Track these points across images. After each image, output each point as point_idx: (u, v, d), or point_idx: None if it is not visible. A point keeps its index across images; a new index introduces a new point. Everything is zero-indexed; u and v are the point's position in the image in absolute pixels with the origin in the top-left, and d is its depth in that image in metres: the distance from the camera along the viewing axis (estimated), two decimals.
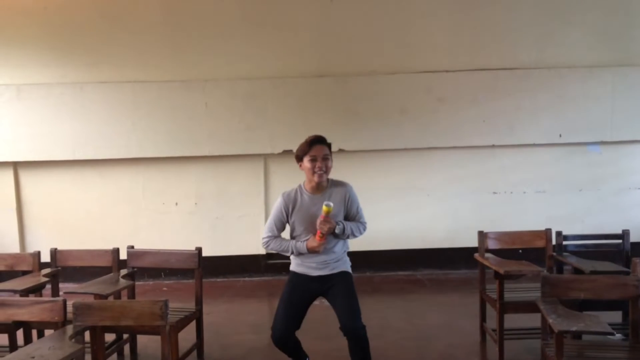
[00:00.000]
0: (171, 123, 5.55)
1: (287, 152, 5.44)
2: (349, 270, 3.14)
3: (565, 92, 5.64)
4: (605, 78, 5.63)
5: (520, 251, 3.95)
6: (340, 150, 5.46)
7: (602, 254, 3.76)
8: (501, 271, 3.28)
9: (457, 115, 5.62)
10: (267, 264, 5.79)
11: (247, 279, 5.76)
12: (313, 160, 2.98)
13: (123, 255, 3.69)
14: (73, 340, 2.39)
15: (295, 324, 3.00)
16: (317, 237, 2.94)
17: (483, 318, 3.87)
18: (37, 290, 3.38)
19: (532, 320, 3.31)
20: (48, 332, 3.02)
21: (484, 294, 3.76)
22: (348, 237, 3.08)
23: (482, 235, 3.84)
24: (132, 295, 3.63)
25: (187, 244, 3.94)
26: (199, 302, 3.59)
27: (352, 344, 2.90)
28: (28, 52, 5.51)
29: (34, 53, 5.51)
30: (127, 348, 3.73)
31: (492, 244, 3.85)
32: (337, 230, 2.96)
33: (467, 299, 4.67)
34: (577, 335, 3.01)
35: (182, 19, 5.56)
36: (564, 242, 3.88)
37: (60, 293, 3.37)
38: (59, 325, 2.56)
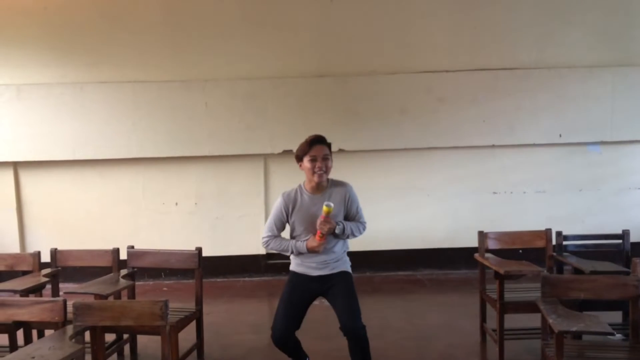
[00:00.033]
0: (171, 123, 5.55)
1: (287, 152, 5.44)
2: (349, 270, 3.14)
3: (566, 92, 5.64)
4: (605, 78, 5.63)
5: (521, 251, 3.95)
6: (340, 150, 5.46)
7: (602, 254, 3.76)
8: (501, 271, 3.28)
9: (457, 115, 5.62)
10: (267, 264, 5.79)
11: (247, 279, 5.76)
12: (313, 160, 2.98)
13: (123, 256, 3.69)
14: (73, 340, 2.39)
15: (295, 324, 3.00)
16: (317, 237, 2.94)
17: (483, 318, 3.87)
18: (37, 290, 3.37)
19: (532, 320, 3.31)
20: (48, 332, 3.02)
21: (484, 294, 3.76)
22: (348, 237, 3.08)
23: (482, 235, 3.84)
24: (132, 295, 3.63)
25: (187, 244, 3.94)
26: (199, 302, 3.59)
27: (352, 344, 2.90)
28: (28, 52, 5.51)
29: (34, 53, 5.51)
30: (127, 348, 3.73)
31: (492, 244, 3.85)
32: (337, 231, 2.97)
33: (467, 299, 4.67)
34: (577, 335, 3.01)
35: (182, 19, 5.56)
36: (564, 242, 3.88)
37: (61, 293, 3.37)
38: (59, 325, 2.56)
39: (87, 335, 2.56)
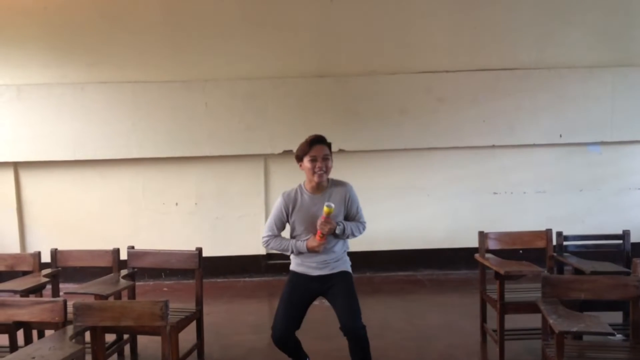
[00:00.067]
0: (171, 123, 5.55)
1: (287, 152, 5.44)
2: (349, 270, 3.14)
3: (566, 92, 5.64)
4: (606, 78, 5.63)
5: (521, 251, 3.95)
6: (341, 151, 5.46)
7: (603, 255, 3.76)
8: (501, 271, 3.28)
9: (457, 116, 5.62)
10: (268, 264, 5.79)
11: (247, 279, 5.76)
12: (313, 160, 2.98)
13: (123, 256, 3.69)
14: (73, 340, 2.39)
15: (295, 324, 3.00)
16: (318, 237, 2.95)
17: (483, 318, 3.87)
18: (37, 290, 3.37)
19: (532, 320, 3.31)
20: (48, 333, 3.01)
21: (485, 294, 3.76)
22: (348, 237, 3.09)
23: (482, 235, 3.84)
24: (132, 295, 3.63)
25: (187, 244, 3.94)
26: (199, 303, 3.59)
27: (352, 344, 2.91)
28: (28, 53, 5.51)
29: (35, 53, 5.51)
30: (127, 348, 3.73)
31: (492, 245, 3.85)
32: (337, 231, 2.97)
33: (468, 300, 4.67)
34: (578, 335, 3.01)
35: (182, 19, 5.56)
36: (565, 243, 3.88)
37: (61, 293, 3.37)
38: (60, 325, 2.56)
39: (88, 336, 2.56)
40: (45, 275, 3.52)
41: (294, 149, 3.09)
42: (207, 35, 5.56)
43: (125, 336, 3.66)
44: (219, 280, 5.68)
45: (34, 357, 2.18)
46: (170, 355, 2.56)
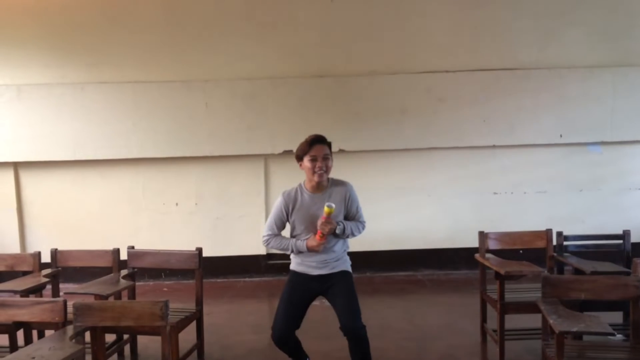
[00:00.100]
0: (172, 123, 5.55)
1: (287, 152, 5.44)
2: (349, 269, 3.14)
3: (566, 92, 5.63)
4: (606, 78, 5.62)
5: (521, 252, 3.95)
6: (341, 151, 5.46)
7: (603, 255, 3.76)
8: (502, 272, 3.28)
9: (457, 116, 5.62)
10: (268, 265, 5.79)
11: (247, 279, 5.76)
12: (313, 160, 2.98)
13: (123, 256, 3.69)
14: (73, 340, 2.39)
15: (295, 324, 3.00)
16: (318, 237, 2.95)
17: (484, 318, 3.87)
18: (37, 290, 3.37)
19: (532, 320, 3.31)
20: (48, 333, 3.02)
21: (485, 294, 3.76)
22: (347, 237, 3.09)
23: (482, 235, 3.84)
24: (132, 295, 3.63)
25: (187, 244, 3.94)
26: (199, 303, 3.59)
27: (352, 344, 2.91)
28: (29, 53, 5.51)
29: (35, 53, 5.51)
30: (127, 348, 3.73)
31: (492, 245, 3.85)
32: (337, 231, 2.97)
33: (468, 300, 4.67)
34: (578, 335, 3.01)
35: (183, 19, 5.56)
36: (565, 243, 3.88)
37: (61, 293, 3.37)
38: (60, 325, 2.56)
39: (88, 336, 2.55)
40: (45, 276, 3.52)
41: (294, 149, 3.09)
42: (207, 35, 5.56)
43: (125, 336, 3.66)
44: (219, 280, 5.68)
45: (34, 357, 2.18)
46: (170, 355, 2.56)
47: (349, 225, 3.04)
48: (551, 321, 2.51)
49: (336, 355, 3.48)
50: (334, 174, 3.12)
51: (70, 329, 2.48)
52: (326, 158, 3.00)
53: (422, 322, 4.37)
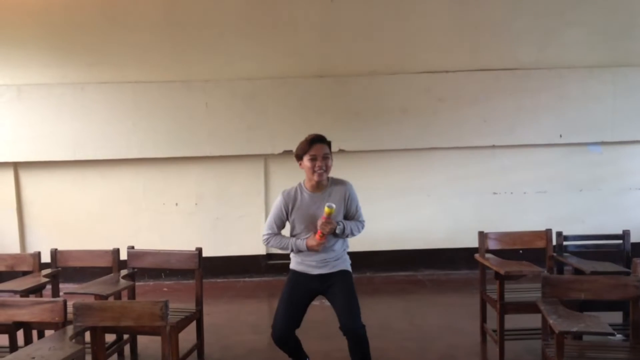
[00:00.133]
0: (172, 123, 5.55)
1: (287, 153, 5.44)
2: (349, 269, 3.14)
3: (566, 92, 5.63)
4: (606, 78, 5.62)
5: (521, 252, 3.95)
6: (341, 151, 5.46)
7: (603, 255, 3.76)
8: (502, 272, 3.28)
9: (457, 116, 5.62)
10: (268, 265, 5.79)
11: (247, 279, 5.76)
12: (313, 159, 2.98)
13: (123, 256, 3.69)
14: (73, 340, 2.40)
15: (295, 323, 3.00)
16: (318, 237, 2.95)
17: (483, 318, 3.87)
18: (37, 290, 3.38)
19: (532, 320, 3.31)
20: (48, 333, 3.02)
21: (485, 294, 3.76)
22: (347, 237, 3.09)
23: (482, 235, 3.84)
24: (132, 295, 3.63)
25: (187, 245, 3.94)
26: (199, 303, 3.59)
27: (352, 344, 2.91)
28: (29, 53, 5.51)
29: (35, 53, 5.51)
30: (127, 348, 3.73)
31: (492, 245, 3.85)
32: (337, 231, 2.97)
33: (468, 300, 4.67)
34: (578, 335, 3.01)
35: (183, 19, 5.56)
36: (565, 243, 3.88)
37: (61, 293, 3.37)
38: (59, 325, 2.56)
39: (88, 336, 2.55)
40: (45, 276, 3.52)
41: (294, 149, 3.08)
42: (207, 35, 5.56)
43: (125, 336, 3.66)
44: (219, 280, 5.68)
45: (34, 357, 2.18)
46: (170, 355, 2.56)
47: (349, 225, 3.04)
48: (551, 321, 2.51)
49: (336, 355, 3.48)
50: (333, 173, 3.12)
51: (70, 329, 2.48)
52: (326, 157, 3.00)
53: (422, 322, 4.37)
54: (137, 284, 3.79)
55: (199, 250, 3.58)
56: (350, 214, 3.11)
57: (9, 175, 5.63)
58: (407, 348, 3.81)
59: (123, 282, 3.41)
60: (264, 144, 5.60)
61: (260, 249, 5.67)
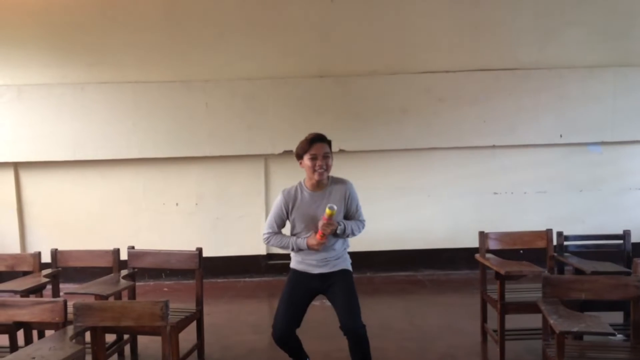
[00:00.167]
0: (172, 123, 5.55)
1: (287, 153, 5.43)
2: (349, 268, 3.14)
3: (566, 92, 5.63)
4: (606, 78, 5.62)
5: (521, 252, 3.95)
6: (341, 151, 5.46)
7: (603, 255, 3.76)
8: (502, 272, 3.28)
9: (457, 116, 5.62)
10: (268, 265, 5.78)
11: (247, 279, 5.76)
12: (314, 158, 2.97)
13: (124, 256, 3.69)
14: (73, 340, 2.39)
15: (295, 322, 3.00)
16: (319, 237, 2.94)
17: (484, 319, 3.87)
18: (37, 290, 3.37)
19: (533, 320, 3.30)
20: (48, 333, 3.01)
21: (485, 294, 3.76)
22: (348, 237, 3.09)
23: (482, 235, 3.84)
24: (132, 295, 3.63)
25: (187, 245, 3.94)
26: (199, 303, 3.59)
27: (352, 344, 2.90)
28: (29, 53, 5.51)
29: (35, 53, 5.51)
30: (127, 349, 3.73)
31: (492, 245, 3.85)
32: (338, 231, 2.97)
33: (468, 300, 4.67)
34: (579, 335, 3.01)
35: (183, 19, 5.56)
36: (565, 243, 3.88)
37: (61, 294, 3.37)
38: (60, 325, 2.56)
39: (88, 336, 2.55)
40: (45, 276, 3.52)
41: (295, 149, 3.08)
42: (207, 35, 5.56)
43: (126, 336, 3.66)
44: (219, 280, 5.68)
45: (34, 357, 2.18)
46: (170, 355, 2.56)
47: (350, 225, 3.04)
48: (552, 321, 2.51)
49: (336, 355, 3.48)
50: (334, 174, 3.12)
51: (70, 329, 2.48)
52: (326, 156, 3.00)
53: (423, 322, 4.37)
54: (137, 284, 3.79)
55: (199, 250, 3.57)
56: (351, 213, 3.11)
57: (9, 176, 5.63)
58: (407, 348, 3.80)
59: (123, 282, 3.40)
60: (264, 144, 5.60)
61: (260, 249, 5.68)
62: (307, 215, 3.03)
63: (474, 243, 3.86)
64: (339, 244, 3.09)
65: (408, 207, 5.81)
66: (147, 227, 5.68)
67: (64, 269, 3.78)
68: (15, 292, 3.22)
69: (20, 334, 2.73)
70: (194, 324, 3.56)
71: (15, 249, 5.60)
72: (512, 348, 3.51)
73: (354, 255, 3.22)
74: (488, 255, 3.75)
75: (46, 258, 3.71)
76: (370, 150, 5.68)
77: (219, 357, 3.74)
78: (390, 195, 5.76)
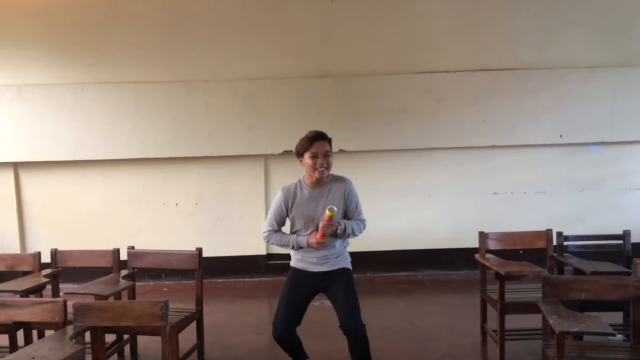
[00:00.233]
0: (172, 123, 5.55)
1: (287, 152, 5.43)
2: (349, 266, 3.14)
3: (566, 92, 5.63)
4: (606, 78, 5.62)
5: (521, 252, 3.95)
6: (341, 151, 5.46)
7: (603, 255, 3.76)
8: (502, 272, 3.28)
9: (457, 116, 5.62)
10: (268, 265, 5.78)
11: (247, 279, 5.76)
12: (314, 156, 2.97)
13: (123, 256, 3.69)
14: (73, 340, 2.39)
15: (296, 321, 3.00)
16: (319, 236, 2.94)
17: (484, 319, 3.87)
18: (37, 290, 3.37)
19: (533, 321, 3.31)
20: (48, 333, 3.02)
21: (485, 294, 3.75)
22: (348, 237, 3.08)
23: (482, 235, 3.84)
24: (132, 295, 3.63)
25: (187, 245, 3.94)
26: (199, 303, 3.58)
27: (352, 343, 2.90)
28: (29, 53, 5.51)
29: (35, 54, 5.51)
30: (127, 349, 3.73)
31: (492, 245, 3.85)
32: (338, 231, 2.97)
33: (468, 300, 4.67)
34: (578, 336, 3.01)
35: (183, 19, 5.56)
36: (565, 243, 3.88)
37: (61, 294, 3.37)
38: (60, 325, 2.56)
39: (88, 336, 2.55)
40: (45, 276, 3.52)
41: (295, 146, 3.07)
42: (207, 35, 5.56)
43: (125, 336, 3.66)
44: (219, 280, 5.68)
45: (34, 357, 2.18)
46: (170, 355, 2.56)
47: (350, 225, 3.03)
48: (551, 321, 2.51)
49: (336, 356, 3.48)
50: (334, 173, 3.12)
51: (70, 329, 2.48)
52: (327, 155, 2.99)
53: (423, 322, 4.36)
54: (137, 284, 3.79)
55: (199, 250, 3.57)
56: (350, 212, 3.10)
57: (9, 176, 5.63)
58: (407, 348, 3.80)
59: (123, 282, 3.40)
60: (264, 144, 5.60)
61: (260, 249, 5.68)
62: (307, 212, 3.03)
63: (474, 243, 3.86)
64: (339, 241, 3.08)
65: (408, 207, 5.81)
66: (147, 227, 5.68)
67: (63, 269, 3.78)
68: (15, 292, 3.22)
69: (20, 334, 2.73)
70: (194, 324, 3.56)
71: (15, 249, 5.61)
72: (512, 348, 3.51)
73: (354, 256, 3.22)
74: (488, 255, 3.75)
75: (46, 258, 3.71)
76: (370, 150, 5.68)
77: (219, 357, 3.74)
78: (390, 195, 5.76)
